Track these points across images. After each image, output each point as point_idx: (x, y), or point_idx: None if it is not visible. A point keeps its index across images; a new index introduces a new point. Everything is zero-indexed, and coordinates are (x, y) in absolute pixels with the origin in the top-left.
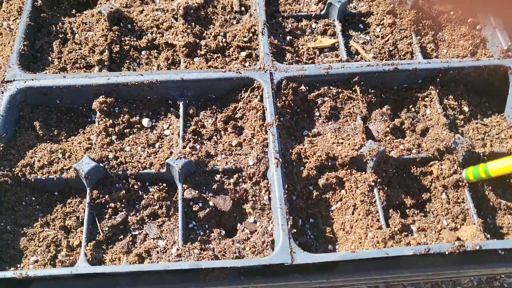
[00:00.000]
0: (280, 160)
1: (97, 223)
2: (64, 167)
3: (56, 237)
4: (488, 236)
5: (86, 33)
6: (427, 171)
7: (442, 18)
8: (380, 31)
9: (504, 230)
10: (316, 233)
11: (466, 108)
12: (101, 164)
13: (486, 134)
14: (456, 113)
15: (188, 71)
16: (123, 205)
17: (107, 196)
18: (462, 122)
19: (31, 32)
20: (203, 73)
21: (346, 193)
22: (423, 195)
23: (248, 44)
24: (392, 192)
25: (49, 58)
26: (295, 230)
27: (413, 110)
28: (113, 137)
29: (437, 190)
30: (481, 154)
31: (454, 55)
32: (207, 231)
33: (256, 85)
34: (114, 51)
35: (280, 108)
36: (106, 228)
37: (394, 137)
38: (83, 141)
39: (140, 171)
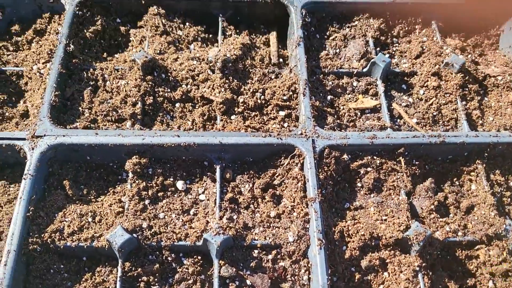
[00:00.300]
0: (323, 241)
1: None
2: (95, 234)
3: None
4: None
5: (118, 81)
6: (473, 255)
7: (489, 82)
8: (424, 93)
9: None
10: None
11: None
12: (134, 235)
13: None
14: (503, 189)
15: (227, 133)
16: (156, 279)
17: (139, 269)
18: (509, 199)
19: (62, 80)
20: (242, 137)
21: (389, 276)
22: (467, 281)
23: (288, 103)
24: (435, 276)
25: (80, 108)
26: None
27: (457, 183)
28: (146, 202)
29: (484, 277)
30: None
31: (501, 124)
32: None
33: (297, 153)
34: (147, 103)
35: (322, 180)
36: None
37: (438, 216)
38: (114, 203)
39: (175, 243)
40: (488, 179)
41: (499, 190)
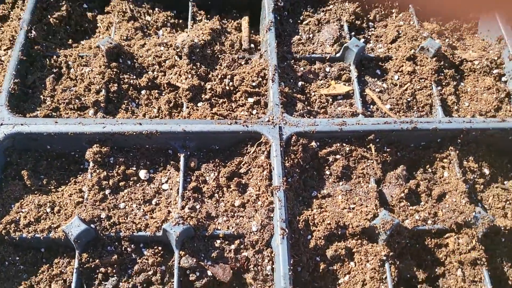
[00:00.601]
0: (287, 231)
1: None
2: (52, 225)
3: None
4: None
5: (82, 69)
6: (443, 243)
7: (466, 67)
8: (398, 79)
9: None
10: None
11: (486, 171)
12: (92, 226)
13: (507, 202)
14: (476, 176)
15: (191, 121)
16: (114, 270)
17: (97, 260)
18: (482, 186)
19: (23, 67)
20: (207, 124)
21: (356, 266)
22: (436, 270)
23: (257, 90)
24: (403, 264)
25: (41, 96)
26: None
27: (430, 171)
28: (107, 192)
29: (452, 265)
30: (502, 228)
31: (477, 110)
32: None
33: (264, 140)
34: (112, 91)
35: (289, 168)
36: None
37: (408, 204)
38: (74, 193)
39: (134, 234)
40: (460, 166)
41: (472, 177)
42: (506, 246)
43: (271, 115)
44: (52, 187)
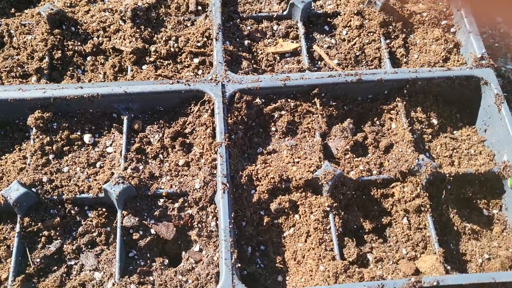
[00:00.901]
0: (228, 185)
1: (28, 253)
2: None
3: None
4: (449, 267)
5: (25, 37)
6: (389, 193)
7: (415, 19)
8: (346, 34)
9: (468, 257)
10: (266, 261)
11: (435, 121)
12: (33, 190)
13: (455, 150)
14: (424, 126)
15: (133, 83)
16: (58, 233)
17: (40, 223)
18: (430, 136)
19: None
20: (149, 85)
21: (300, 218)
22: (383, 219)
23: (202, 50)
24: (350, 216)
25: None
26: (239, 265)
27: (378, 123)
28: (50, 156)
29: (398, 214)
30: (447, 175)
31: (426, 61)
32: (148, 261)
33: (207, 99)
34: (56, 58)
35: (232, 125)
36: (38, 260)
37: (354, 156)
38: (18, 160)
39: (77, 196)
40: (408, 116)
41: (419, 127)
42: (452, 193)
43: (215, 73)
44: None
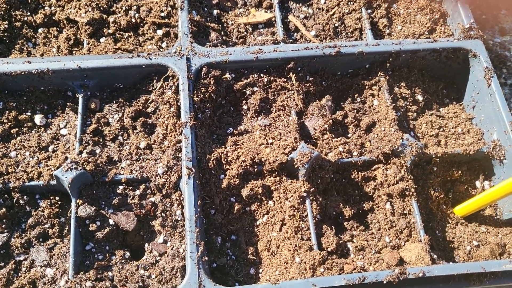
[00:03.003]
0: (193, 170)
1: None
2: None
3: None
4: (435, 256)
5: None
6: (370, 176)
7: None
8: (325, 3)
9: (455, 244)
10: (237, 253)
11: (420, 97)
12: None
13: (441, 129)
14: (408, 103)
15: (88, 56)
16: (4, 225)
17: None
18: (415, 114)
19: None
20: (106, 59)
21: (274, 205)
22: (364, 205)
23: (166, 21)
24: (329, 201)
25: None
26: (206, 258)
27: (359, 100)
28: None
29: (381, 199)
30: (434, 156)
31: (410, 33)
32: (107, 254)
33: (170, 74)
34: (2, 29)
35: (199, 103)
36: None
37: (333, 136)
38: None
39: (25, 183)
40: (391, 92)
41: (403, 104)
42: (438, 175)
43: (179, 45)
44: None
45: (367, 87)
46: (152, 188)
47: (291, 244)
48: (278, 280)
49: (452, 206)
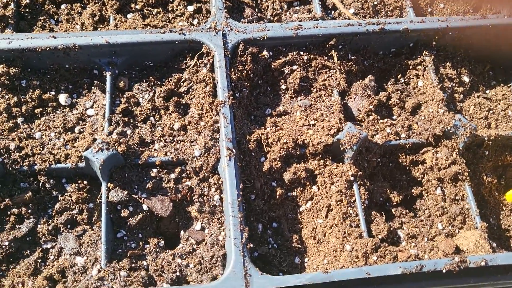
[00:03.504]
0: (234, 151)
1: None
2: None
3: None
4: (494, 244)
5: None
6: (419, 160)
7: None
8: None
9: (511, 233)
10: (280, 241)
11: (466, 79)
12: None
13: (491, 111)
14: (454, 84)
15: (117, 32)
16: (30, 211)
17: (7, 199)
18: (462, 96)
19: None
20: (136, 34)
21: (319, 190)
22: (412, 190)
23: None
24: (375, 187)
25: None
26: (251, 245)
27: (402, 81)
28: (19, 120)
29: (431, 184)
30: (486, 139)
31: (453, 11)
32: (141, 242)
33: (205, 51)
34: (23, 4)
35: (236, 81)
36: (7, 242)
37: (379, 117)
38: None
39: (52, 166)
40: (437, 72)
41: (450, 85)
42: (490, 159)
43: (213, 21)
44: None
45: (411, 67)
46: (188, 171)
47: (339, 231)
48: (327, 269)
49: (504, 192)
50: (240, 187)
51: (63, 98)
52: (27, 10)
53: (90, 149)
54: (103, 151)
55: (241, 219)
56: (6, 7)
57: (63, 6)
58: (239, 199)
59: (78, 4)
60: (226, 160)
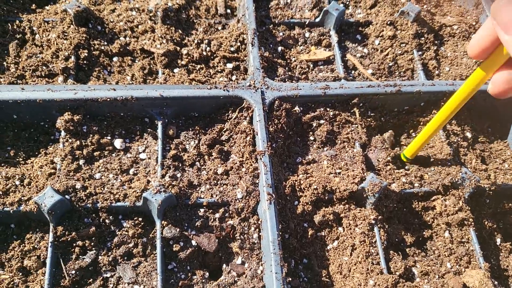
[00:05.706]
0: (274, 196)
1: (62, 265)
2: (22, 198)
3: (12, 282)
4: (496, 283)
5: (48, 34)
6: (429, 206)
7: (445, 32)
8: (379, 43)
9: (510, 273)
10: (310, 275)
11: (469, 134)
12: (67, 197)
13: (490, 164)
14: (459, 139)
15: (169, 86)
16: (92, 243)
17: (74, 233)
18: (466, 150)
19: None
20: (186, 89)
21: (344, 231)
22: (424, 232)
23: (236, 55)
24: (391, 229)
25: (4, 63)
26: (290, 279)
27: (414, 135)
28: (81, 162)
29: (440, 227)
30: (487, 189)
31: (457, 74)
32: (189, 274)
33: (246, 105)
34: (82, 57)
35: (273, 133)
36: (73, 271)
37: (395, 167)
38: (46, 164)
39: (112, 204)
40: (444, 129)
41: (455, 140)
42: (490, 207)
43: (252, 79)
44: (21, 159)
45: (422, 123)
46: (231, 212)
47: (363, 268)
48: None
49: (503, 237)
50: (280, 227)
51: (118, 142)
52: (85, 62)
53: (149, 191)
54: (160, 193)
55: (281, 255)
56: (68, 59)
57: (115, 59)
58: (278, 239)
59: (129, 58)
60: (266, 204)
